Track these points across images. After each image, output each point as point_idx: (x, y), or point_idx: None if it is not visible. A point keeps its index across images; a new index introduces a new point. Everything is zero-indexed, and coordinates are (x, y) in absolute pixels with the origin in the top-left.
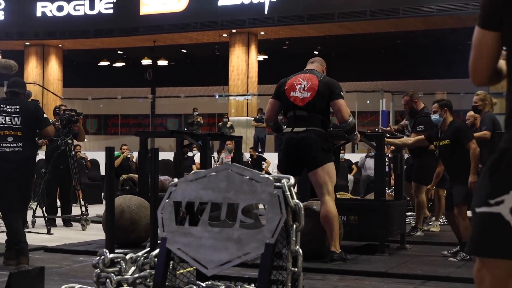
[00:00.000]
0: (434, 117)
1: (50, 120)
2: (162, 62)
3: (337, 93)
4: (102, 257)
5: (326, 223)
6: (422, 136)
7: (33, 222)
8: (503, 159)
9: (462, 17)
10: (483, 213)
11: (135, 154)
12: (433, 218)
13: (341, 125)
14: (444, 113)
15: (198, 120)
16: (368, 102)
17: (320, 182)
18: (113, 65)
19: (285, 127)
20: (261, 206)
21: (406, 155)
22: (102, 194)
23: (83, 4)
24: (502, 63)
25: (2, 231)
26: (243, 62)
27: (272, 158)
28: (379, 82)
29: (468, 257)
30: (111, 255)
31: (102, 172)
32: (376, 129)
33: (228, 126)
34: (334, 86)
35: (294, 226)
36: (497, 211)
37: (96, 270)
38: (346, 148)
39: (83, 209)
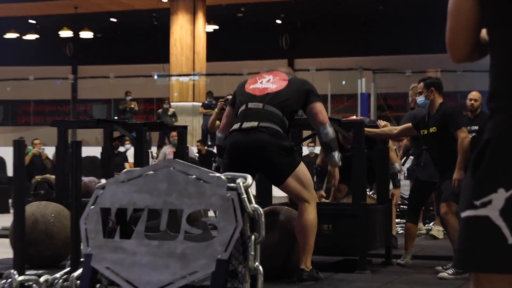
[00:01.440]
0: (420, 99)
1: None
2: (86, 34)
3: (316, 95)
4: (9, 280)
5: (302, 234)
6: (409, 124)
7: None
8: (486, 151)
9: None
10: (469, 217)
11: (52, 150)
12: (436, 221)
13: (321, 133)
14: (431, 94)
15: (132, 106)
16: (343, 83)
17: (295, 193)
18: (23, 37)
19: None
20: (211, 212)
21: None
22: (10, 200)
23: None
24: (484, 34)
25: None
26: (188, 33)
27: None
28: (357, 58)
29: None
30: (21, 278)
31: (10, 173)
32: (355, 117)
33: (169, 113)
34: (311, 87)
35: (253, 237)
36: (484, 214)
37: None
38: (317, 140)
39: None
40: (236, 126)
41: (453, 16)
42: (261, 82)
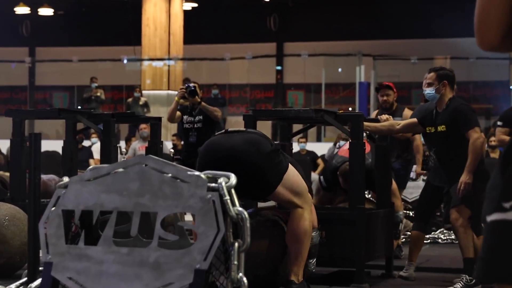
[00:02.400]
0: (428, 91)
1: None
2: (45, 11)
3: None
4: None
5: (294, 242)
6: (415, 120)
7: None
8: None
9: None
10: (497, 221)
11: (6, 143)
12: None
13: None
14: (443, 88)
15: (98, 94)
16: (340, 70)
17: (287, 201)
18: None
19: None
20: (189, 216)
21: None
22: None
23: None
24: None
25: None
26: (163, 12)
27: None
28: (356, 42)
29: (474, 281)
30: None
31: None
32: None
33: (141, 103)
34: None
35: (236, 244)
36: None
37: None
38: (309, 135)
39: None
40: (221, 132)
41: None
42: None
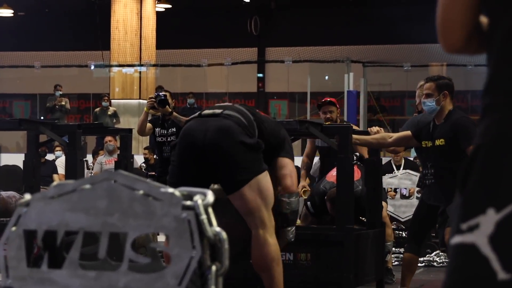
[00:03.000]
0: (428, 103)
1: None
2: (5, 12)
3: (289, 146)
4: None
5: (266, 270)
6: (408, 132)
7: None
8: (476, 160)
9: None
10: (456, 245)
11: None
12: None
13: (284, 200)
14: (444, 99)
15: (63, 103)
16: (326, 77)
17: (249, 209)
18: None
19: None
20: (162, 237)
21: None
22: None
23: None
24: (484, 20)
25: None
26: (134, 13)
27: None
28: (344, 47)
29: None
30: None
31: None
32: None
33: (109, 113)
34: (285, 134)
35: (214, 268)
36: (470, 240)
37: None
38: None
39: None
40: (194, 115)
41: None
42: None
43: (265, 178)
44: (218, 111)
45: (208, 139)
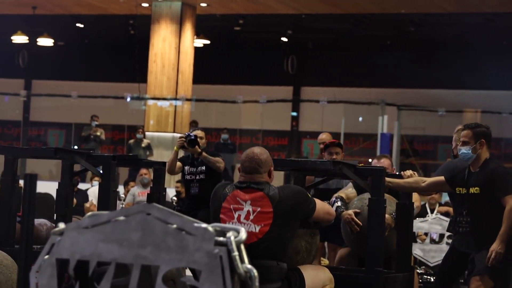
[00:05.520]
0: (464, 150)
1: None
2: (45, 41)
3: (311, 202)
4: None
5: None
6: (442, 178)
7: None
8: None
9: None
10: None
11: None
12: None
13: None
14: (480, 147)
15: (98, 134)
16: (360, 119)
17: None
18: None
19: None
20: (188, 271)
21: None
22: None
23: None
24: None
25: None
26: (172, 48)
27: None
28: (379, 89)
29: None
30: None
31: None
32: (370, 160)
33: (143, 145)
34: (302, 198)
35: None
36: None
37: None
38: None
39: None
40: None
41: None
42: (238, 219)
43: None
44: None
45: None
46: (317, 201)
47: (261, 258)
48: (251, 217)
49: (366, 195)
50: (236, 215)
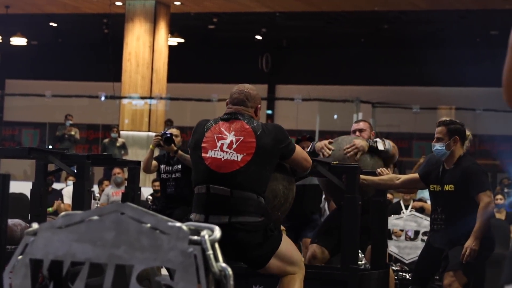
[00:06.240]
0: (438, 147)
1: None
2: (18, 40)
3: (291, 144)
4: None
5: None
6: (416, 175)
7: None
8: None
9: None
10: None
11: None
12: None
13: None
14: (454, 144)
15: (73, 133)
16: (335, 117)
17: (278, 273)
18: None
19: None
20: (164, 270)
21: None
22: None
23: None
24: None
25: None
26: (146, 46)
27: None
28: (354, 87)
29: None
30: None
31: None
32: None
33: (118, 144)
34: (282, 136)
35: None
36: None
37: None
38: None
39: None
40: (199, 217)
41: None
42: (221, 148)
43: (283, 244)
44: (225, 219)
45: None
46: (297, 146)
47: (241, 189)
48: (234, 146)
49: (341, 138)
50: (219, 144)
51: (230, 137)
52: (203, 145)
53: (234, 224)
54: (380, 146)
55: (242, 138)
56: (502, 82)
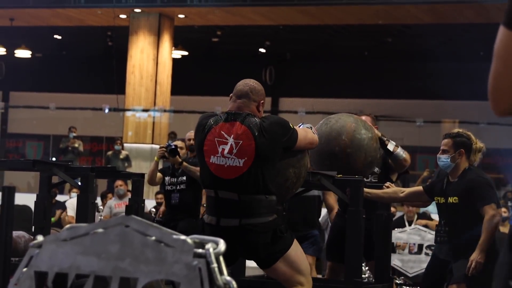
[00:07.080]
0: (443, 159)
1: None
2: (22, 53)
3: (293, 131)
4: None
5: None
6: (420, 188)
7: None
8: None
9: (487, 7)
10: None
11: None
12: None
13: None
14: (459, 157)
15: (76, 145)
16: None
17: (284, 279)
18: None
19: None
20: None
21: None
22: None
23: None
24: None
25: None
26: (150, 59)
27: None
28: (357, 100)
29: None
30: None
31: None
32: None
33: (121, 157)
34: (281, 130)
35: None
36: None
37: None
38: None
39: None
40: (211, 219)
41: (500, 57)
42: (222, 153)
43: (293, 249)
44: (236, 222)
45: (236, 247)
46: (299, 130)
47: (248, 193)
48: (234, 151)
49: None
50: (220, 149)
51: (230, 141)
52: (205, 148)
53: (245, 226)
54: (390, 147)
55: (241, 142)
56: (488, 91)
